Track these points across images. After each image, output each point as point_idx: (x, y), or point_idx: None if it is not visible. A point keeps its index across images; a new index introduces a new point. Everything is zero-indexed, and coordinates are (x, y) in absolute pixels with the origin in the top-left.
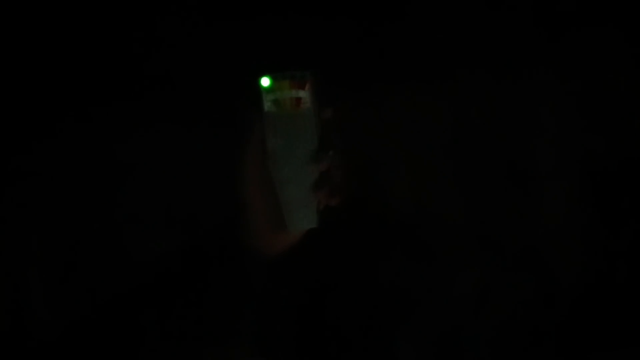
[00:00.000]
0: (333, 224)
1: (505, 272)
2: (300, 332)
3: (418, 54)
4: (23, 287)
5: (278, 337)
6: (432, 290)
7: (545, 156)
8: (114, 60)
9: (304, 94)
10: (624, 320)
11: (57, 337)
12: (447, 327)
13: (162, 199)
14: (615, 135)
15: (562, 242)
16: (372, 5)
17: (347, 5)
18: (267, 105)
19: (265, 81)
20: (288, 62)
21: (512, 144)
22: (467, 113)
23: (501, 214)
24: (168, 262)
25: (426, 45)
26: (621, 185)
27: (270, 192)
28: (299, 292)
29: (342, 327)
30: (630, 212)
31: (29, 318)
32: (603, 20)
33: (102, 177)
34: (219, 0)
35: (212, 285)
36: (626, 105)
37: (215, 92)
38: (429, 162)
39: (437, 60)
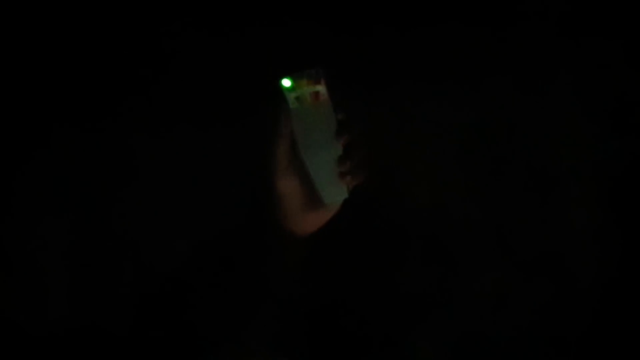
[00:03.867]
0: (352, 225)
1: (523, 276)
2: (317, 333)
3: (439, 57)
4: (42, 281)
5: (294, 337)
6: (450, 293)
7: (563, 160)
8: (130, 61)
9: (320, 88)
10: None
11: (73, 331)
12: (465, 331)
13: (180, 197)
14: (633, 140)
15: (581, 246)
16: (393, 9)
17: (368, 8)
18: (291, 102)
19: (286, 82)
20: (303, 63)
21: (531, 148)
22: (486, 117)
23: (519, 218)
24: (186, 262)
25: (447, 49)
26: (638, 189)
27: (302, 175)
28: (316, 293)
29: (359, 329)
30: None
31: (46, 310)
32: (618, 28)
33: (117, 175)
34: (232, 6)
35: (230, 285)
36: None
37: (232, 89)
38: (447, 165)
39: (457, 65)
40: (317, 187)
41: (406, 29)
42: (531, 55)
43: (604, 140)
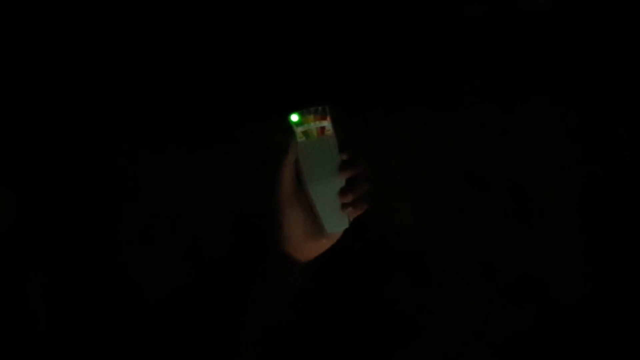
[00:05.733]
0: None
1: (505, 298)
2: (302, 352)
3: (422, 81)
4: (24, 290)
5: (280, 355)
6: (433, 315)
7: (545, 184)
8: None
9: (326, 124)
10: (623, 346)
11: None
12: (447, 352)
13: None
14: (613, 164)
15: (562, 269)
16: (379, 32)
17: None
18: (298, 135)
19: (294, 117)
20: (309, 99)
21: (513, 172)
22: (469, 141)
23: (502, 241)
24: (186, 283)
25: (430, 73)
26: (618, 212)
27: (305, 204)
28: (302, 313)
29: (343, 349)
30: (627, 239)
31: (27, 318)
32: (600, 52)
33: (114, 193)
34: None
35: (217, 294)
36: (622, 136)
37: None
38: (432, 189)
39: (440, 89)
40: (320, 216)
41: (387, 53)
42: (514, 79)
43: (584, 165)
